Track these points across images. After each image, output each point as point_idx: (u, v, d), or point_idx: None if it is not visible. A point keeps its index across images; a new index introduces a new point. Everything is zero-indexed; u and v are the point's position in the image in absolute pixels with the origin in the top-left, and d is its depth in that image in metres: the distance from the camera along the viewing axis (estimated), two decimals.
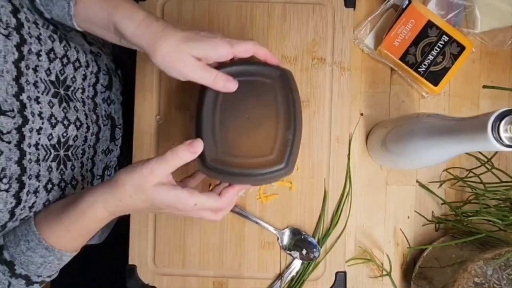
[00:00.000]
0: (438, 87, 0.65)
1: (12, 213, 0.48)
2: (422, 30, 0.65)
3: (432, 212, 0.69)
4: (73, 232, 0.50)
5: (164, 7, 0.69)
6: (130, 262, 0.68)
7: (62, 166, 0.57)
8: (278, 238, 0.67)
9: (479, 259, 0.55)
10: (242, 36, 0.69)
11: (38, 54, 0.52)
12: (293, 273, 0.67)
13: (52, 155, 0.54)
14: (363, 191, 0.69)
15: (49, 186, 0.54)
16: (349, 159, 0.68)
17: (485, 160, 0.63)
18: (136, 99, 0.69)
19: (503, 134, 0.40)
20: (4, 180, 0.46)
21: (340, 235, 0.67)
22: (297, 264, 0.67)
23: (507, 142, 0.40)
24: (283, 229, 0.67)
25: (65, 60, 0.57)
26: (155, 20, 0.50)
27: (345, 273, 0.67)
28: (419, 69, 0.65)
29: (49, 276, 0.52)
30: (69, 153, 0.59)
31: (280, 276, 0.67)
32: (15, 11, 0.48)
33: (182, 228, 0.68)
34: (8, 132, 0.47)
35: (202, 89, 0.54)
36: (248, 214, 0.67)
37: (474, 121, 0.42)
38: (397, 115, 0.69)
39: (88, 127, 0.62)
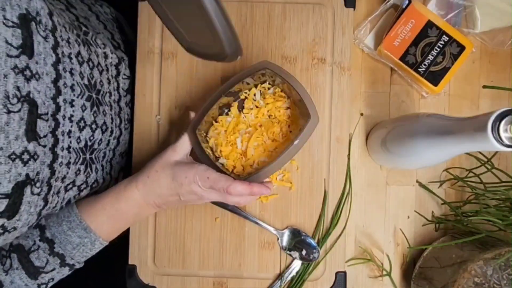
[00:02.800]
0: (438, 87, 0.65)
1: (39, 215, 0.49)
2: (422, 30, 0.65)
3: (432, 212, 0.69)
4: (109, 212, 0.54)
5: None
6: (130, 262, 0.68)
7: (88, 169, 0.59)
8: (278, 239, 0.67)
9: (479, 259, 0.55)
10: (242, 36, 0.69)
11: (70, 57, 0.53)
12: (293, 273, 0.67)
13: (81, 158, 0.56)
14: (363, 191, 0.69)
15: (69, 186, 0.56)
16: (349, 159, 0.68)
17: (485, 160, 0.63)
18: (136, 99, 0.69)
19: (503, 134, 0.40)
20: (38, 184, 0.47)
21: (340, 235, 0.67)
22: (297, 264, 0.67)
23: (507, 142, 0.40)
24: (283, 230, 0.67)
25: (90, 64, 0.59)
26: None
27: (345, 273, 0.67)
28: (419, 69, 0.65)
29: (78, 262, 0.55)
30: (93, 156, 0.60)
31: (280, 276, 0.67)
32: (50, 14, 0.49)
33: (182, 228, 0.68)
34: (45, 136, 0.47)
35: None
36: (248, 214, 0.67)
37: (474, 121, 0.42)
38: (397, 115, 0.69)
39: (112, 131, 0.64)
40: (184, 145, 0.57)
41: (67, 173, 0.53)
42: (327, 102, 0.68)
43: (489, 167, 0.62)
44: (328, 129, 0.68)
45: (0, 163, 0.41)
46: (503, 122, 0.39)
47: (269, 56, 0.69)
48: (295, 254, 0.66)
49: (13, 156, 0.42)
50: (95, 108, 0.58)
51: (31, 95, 0.45)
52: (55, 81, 0.49)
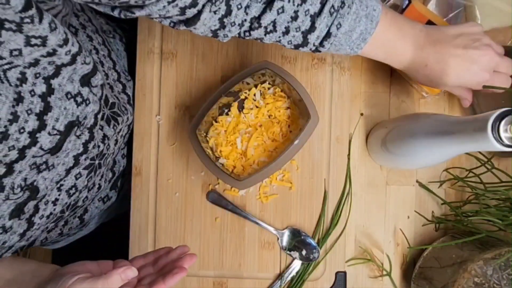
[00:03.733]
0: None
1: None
2: None
3: (432, 212, 0.69)
4: None
5: None
6: None
7: (92, 173, 0.58)
8: (278, 239, 0.67)
9: (479, 259, 0.55)
10: None
11: (98, 145, 0.53)
12: (293, 273, 0.67)
13: (59, 218, 0.55)
14: (363, 191, 0.69)
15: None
16: (349, 159, 0.68)
17: (485, 160, 0.63)
18: (136, 99, 0.69)
19: (503, 134, 0.40)
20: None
21: (340, 235, 0.67)
22: (297, 264, 0.67)
23: (507, 142, 0.40)
24: (283, 230, 0.67)
25: (108, 141, 0.58)
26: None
27: (345, 273, 0.67)
28: None
29: None
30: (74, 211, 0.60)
31: (280, 276, 0.67)
32: (97, 112, 0.49)
33: (182, 228, 0.68)
34: (28, 211, 0.47)
35: None
36: (248, 214, 0.67)
37: (474, 121, 0.42)
38: (397, 115, 0.69)
39: (99, 187, 0.63)
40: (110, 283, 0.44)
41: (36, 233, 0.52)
42: (327, 102, 0.68)
43: (489, 167, 0.62)
44: (328, 129, 0.68)
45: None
46: (503, 122, 0.39)
47: (269, 56, 0.69)
48: (295, 254, 0.66)
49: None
50: (91, 174, 0.57)
51: (35, 183, 0.44)
52: (68, 169, 0.48)
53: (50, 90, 0.41)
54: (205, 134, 0.64)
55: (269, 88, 0.65)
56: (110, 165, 0.66)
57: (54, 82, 0.41)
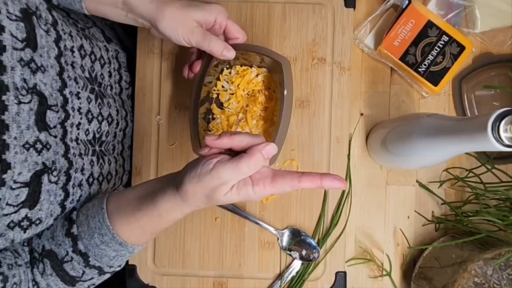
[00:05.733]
0: (438, 87, 0.65)
1: (62, 206, 0.49)
2: (422, 30, 0.65)
3: (432, 212, 0.69)
4: (148, 229, 0.49)
5: None
6: (130, 262, 0.68)
7: (101, 160, 0.59)
8: (278, 239, 0.67)
9: (479, 259, 0.55)
10: None
11: (72, 50, 0.53)
12: (293, 273, 0.67)
13: (90, 150, 0.56)
14: (363, 191, 0.69)
15: (90, 179, 0.55)
16: (349, 159, 0.68)
17: (485, 160, 0.63)
18: (136, 99, 0.69)
19: (503, 134, 0.40)
20: (55, 173, 0.47)
21: (340, 235, 0.67)
22: (297, 264, 0.67)
23: (507, 142, 0.40)
24: (283, 230, 0.67)
25: (93, 57, 0.59)
26: None
27: (345, 273, 0.67)
28: (419, 69, 0.65)
29: (119, 266, 0.53)
30: (103, 148, 0.60)
31: (280, 276, 0.67)
32: (49, 9, 0.50)
33: (182, 228, 0.68)
34: (54, 127, 0.48)
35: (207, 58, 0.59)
36: (248, 214, 0.67)
37: (474, 121, 0.42)
38: (397, 115, 0.69)
39: (117, 123, 0.64)
40: (236, 177, 0.43)
41: (84, 164, 0.53)
42: (327, 102, 0.68)
43: (489, 167, 0.62)
44: (328, 129, 0.68)
45: (16, 153, 0.42)
46: (503, 122, 0.39)
47: None
48: (295, 254, 0.66)
49: (27, 146, 0.43)
50: (99, 100, 0.59)
51: (37, 87, 0.45)
52: (59, 74, 0.50)
53: None
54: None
55: (230, 72, 0.66)
56: (119, 102, 0.67)
57: None
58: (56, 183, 0.47)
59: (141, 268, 0.68)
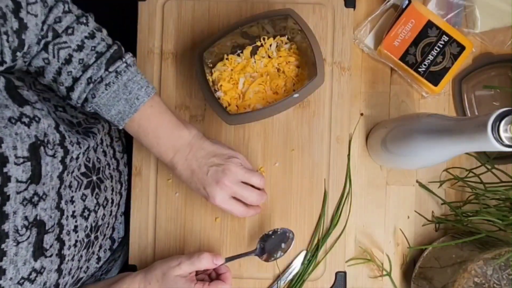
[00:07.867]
0: (438, 87, 0.65)
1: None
2: (422, 30, 0.65)
3: (432, 212, 0.69)
4: None
5: (164, 7, 0.69)
6: (130, 262, 0.68)
7: (91, 249, 0.59)
8: (259, 257, 0.62)
9: (479, 259, 0.55)
10: None
11: (77, 158, 0.53)
12: (293, 273, 0.67)
13: (85, 242, 0.56)
14: (363, 191, 0.69)
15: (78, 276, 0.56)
16: (349, 159, 0.68)
17: (485, 160, 0.63)
18: None
19: (503, 134, 0.40)
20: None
21: (340, 235, 0.67)
22: (297, 264, 0.67)
23: (507, 142, 0.40)
24: (254, 249, 0.62)
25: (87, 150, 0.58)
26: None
27: (345, 273, 0.67)
28: (419, 69, 0.65)
29: None
30: (98, 233, 0.60)
31: (280, 276, 0.67)
32: (57, 126, 0.48)
33: (182, 228, 0.68)
34: (51, 246, 0.47)
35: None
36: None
37: (474, 121, 0.42)
38: (397, 115, 0.69)
39: (113, 201, 0.64)
40: (189, 267, 0.58)
41: (73, 265, 0.53)
42: (327, 102, 0.68)
43: (489, 167, 0.62)
44: (328, 129, 0.68)
45: None
46: (503, 122, 0.39)
47: None
48: (279, 253, 0.61)
49: (22, 281, 0.43)
50: (96, 190, 0.58)
51: (38, 217, 0.44)
52: (58, 189, 0.49)
53: None
54: (212, 65, 0.64)
55: (286, 43, 0.65)
56: (116, 178, 0.66)
57: None
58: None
59: (141, 268, 0.67)
